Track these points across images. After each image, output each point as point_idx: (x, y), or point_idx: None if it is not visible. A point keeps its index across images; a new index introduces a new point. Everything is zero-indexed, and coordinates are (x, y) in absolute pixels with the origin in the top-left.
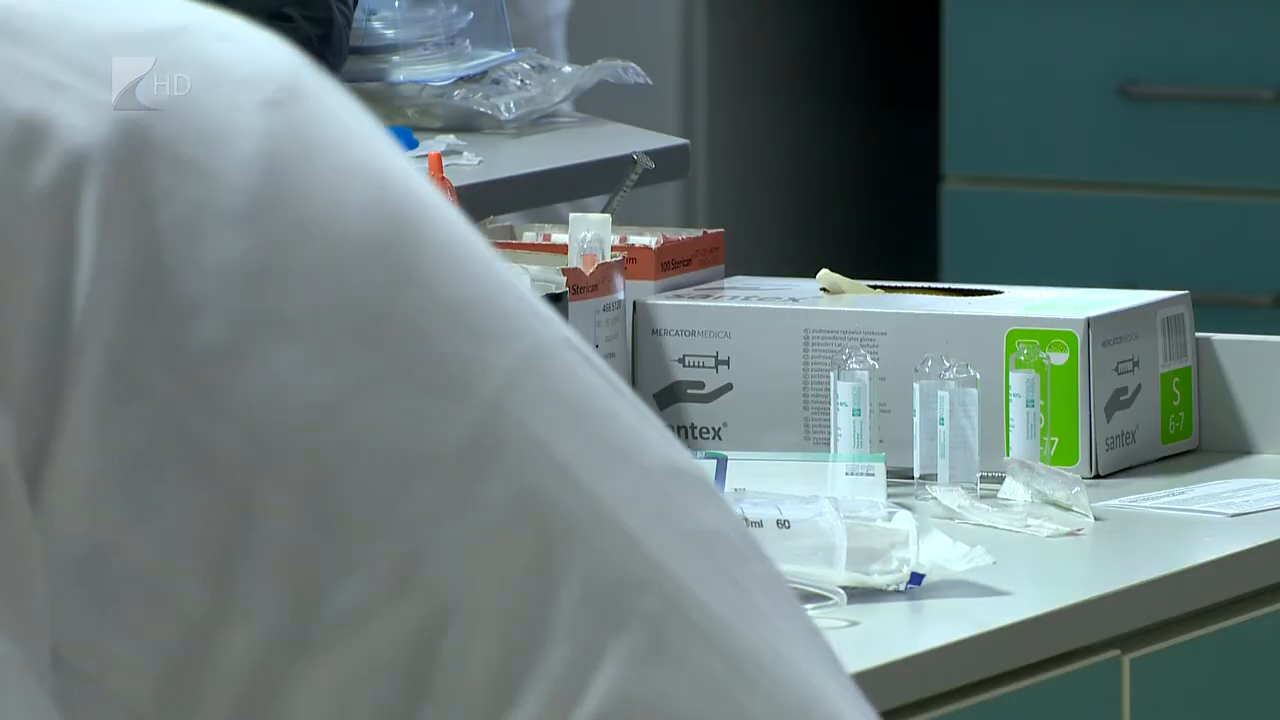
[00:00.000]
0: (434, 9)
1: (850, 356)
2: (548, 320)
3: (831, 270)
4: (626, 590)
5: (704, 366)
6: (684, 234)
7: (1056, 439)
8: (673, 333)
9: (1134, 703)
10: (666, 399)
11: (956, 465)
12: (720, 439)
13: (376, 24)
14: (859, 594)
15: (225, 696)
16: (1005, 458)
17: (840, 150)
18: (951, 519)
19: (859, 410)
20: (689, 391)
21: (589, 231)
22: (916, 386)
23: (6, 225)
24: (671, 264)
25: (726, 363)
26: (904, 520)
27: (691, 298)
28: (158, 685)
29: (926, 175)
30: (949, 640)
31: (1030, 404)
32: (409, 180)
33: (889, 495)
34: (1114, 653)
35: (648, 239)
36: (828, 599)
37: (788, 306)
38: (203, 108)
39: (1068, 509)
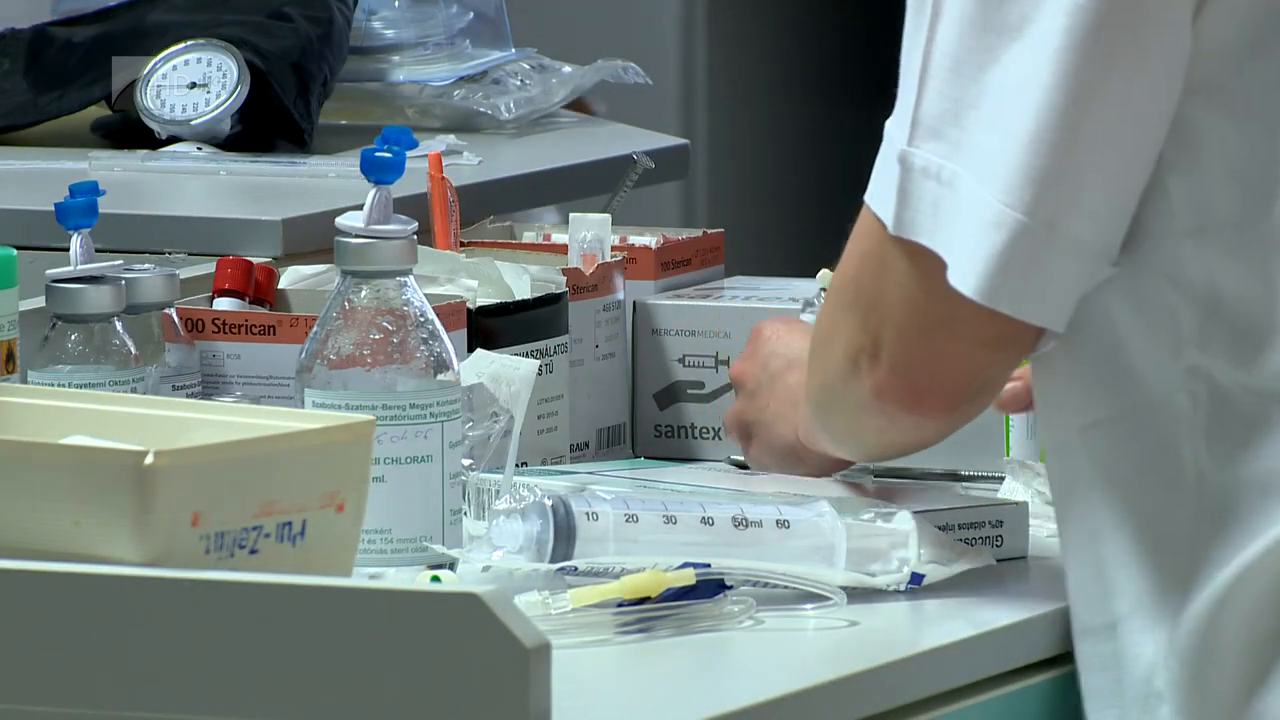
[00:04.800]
0: (434, 9)
1: None
2: None
3: (831, 270)
4: None
5: (704, 366)
6: (684, 234)
7: None
8: (673, 333)
9: None
10: (666, 399)
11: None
12: (720, 439)
13: (376, 24)
14: (859, 594)
15: None
16: (1005, 458)
17: (840, 150)
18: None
19: None
20: (689, 391)
21: (589, 231)
22: None
23: None
24: (671, 264)
25: (726, 363)
26: (904, 520)
27: (691, 298)
28: None
29: None
30: (949, 640)
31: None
32: None
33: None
34: None
35: (648, 239)
36: (828, 599)
37: (788, 306)
38: None
39: None
